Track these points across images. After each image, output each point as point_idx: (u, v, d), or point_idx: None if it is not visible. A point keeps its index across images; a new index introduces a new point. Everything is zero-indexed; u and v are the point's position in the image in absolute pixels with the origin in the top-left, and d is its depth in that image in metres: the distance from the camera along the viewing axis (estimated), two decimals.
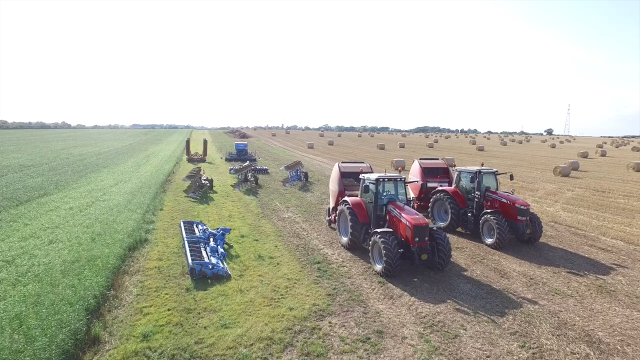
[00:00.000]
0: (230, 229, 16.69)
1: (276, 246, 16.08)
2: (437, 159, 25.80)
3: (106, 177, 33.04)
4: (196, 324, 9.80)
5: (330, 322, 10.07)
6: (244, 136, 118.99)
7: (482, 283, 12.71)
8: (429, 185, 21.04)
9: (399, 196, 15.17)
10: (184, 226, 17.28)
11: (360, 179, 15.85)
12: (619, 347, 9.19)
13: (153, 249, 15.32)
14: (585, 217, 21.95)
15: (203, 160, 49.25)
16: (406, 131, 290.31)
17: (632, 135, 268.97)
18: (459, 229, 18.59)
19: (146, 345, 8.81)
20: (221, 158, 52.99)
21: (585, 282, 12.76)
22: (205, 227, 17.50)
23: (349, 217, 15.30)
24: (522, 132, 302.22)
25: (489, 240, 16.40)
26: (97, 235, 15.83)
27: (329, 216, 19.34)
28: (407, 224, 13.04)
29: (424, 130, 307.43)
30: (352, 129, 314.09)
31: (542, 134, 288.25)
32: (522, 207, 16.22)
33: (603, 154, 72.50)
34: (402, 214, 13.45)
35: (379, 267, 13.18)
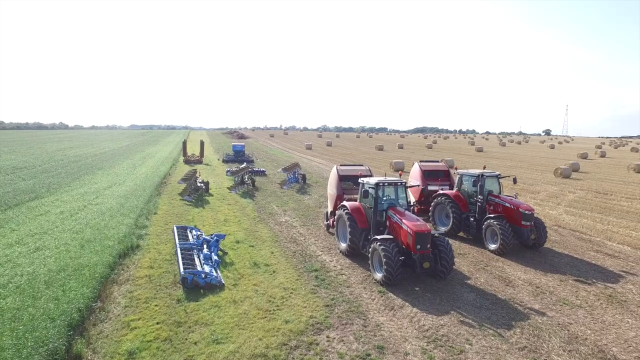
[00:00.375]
0: (225, 235, 16.13)
1: (272, 252, 15.53)
2: (438, 161, 25.28)
3: (100, 179, 32.44)
4: (186, 339, 9.25)
5: (328, 337, 9.53)
6: (241, 137, 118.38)
7: (487, 292, 12.19)
8: (430, 188, 20.53)
9: (399, 201, 14.65)
10: (177, 232, 16.72)
11: (360, 183, 15.33)
12: None
13: (145, 256, 14.76)
14: (589, 220, 21.47)
15: (200, 162, 48.65)
16: (404, 132, 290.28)
17: (630, 135, 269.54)
18: (461, 234, 18.08)
19: None
20: (218, 159, 52.41)
21: (594, 291, 12.25)
22: (199, 233, 16.95)
23: (347, 223, 14.78)
24: (520, 133, 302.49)
25: (492, 246, 15.89)
26: (86, 241, 15.25)
27: (327, 220, 18.81)
28: (409, 230, 12.52)
29: (422, 130, 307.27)
30: (350, 129, 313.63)
31: (540, 135, 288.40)
32: (527, 211, 15.72)
33: (602, 155, 72.20)
34: (403, 220, 12.92)
35: (379, 275, 12.66)
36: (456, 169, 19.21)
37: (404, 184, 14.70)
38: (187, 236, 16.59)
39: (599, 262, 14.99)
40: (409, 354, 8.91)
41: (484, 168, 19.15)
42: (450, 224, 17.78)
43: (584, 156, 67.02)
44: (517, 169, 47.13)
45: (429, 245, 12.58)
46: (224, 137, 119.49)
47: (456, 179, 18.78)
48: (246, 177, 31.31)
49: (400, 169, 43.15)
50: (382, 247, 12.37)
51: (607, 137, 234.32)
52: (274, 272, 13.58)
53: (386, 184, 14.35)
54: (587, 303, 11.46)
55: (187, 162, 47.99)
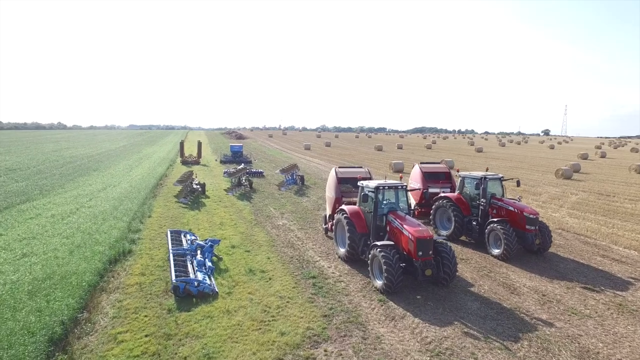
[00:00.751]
0: (220, 240, 15.63)
1: (269, 258, 15.03)
2: (439, 163, 24.82)
3: (95, 180, 31.90)
4: (176, 354, 8.74)
5: (325, 350, 9.04)
6: (240, 137, 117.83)
7: (491, 301, 11.70)
8: (431, 190, 20.05)
9: (400, 205, 14.16)
10: (171, 236, 16.20)
11: (359, 186, 14.83)
12: None
13: (136, 262, 14.25)
14: (593, 223, 21.01)
15: (197, 163, 48.15)
16: (403, 132, 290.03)
17: (628, 135, 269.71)
18: (463, 238, 17.61)
19: None
20: (216, 160, 51.87)
21: (603, 300, 11.77)
22: (193, 237, 16.44)
23: (346, 228, 14.28)
24: (519, 133, 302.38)
25: (496, 251, 15.41)
26: (76, 247, 14.74)
27: (325, 224, 18.31)
28: (410, 236, 12.02)
29: (421, 130, 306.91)
30: (349, 129, 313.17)
31: (539, 135, 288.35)
32: (531, 215, 15.24)
33: (603, 155, 71.84)
34: (404, 225, 12.43)
35: (379, 283, 12.16)
36: (458, 171, 18.73)
37: (404, 187, 14.21)
38: (181, 241, 16.08)
39: (606, 267, 14.52)
40: None
41: (487, 170, 18.67)
42: (452, 227, 17.30)
43: (584, 157, 66.65)
44: (517, 169, 46.69)
45: (431, 252, 12.09)
46: (223, 138, 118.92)
47: (458, 182, 18.29)
48: (243, 178, 30.80)
49: (399, 169, 42.65)
50: (382, 253, 11.88)
51: (606, 137, 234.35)
52: (270, 279, 13.08)
53: (386, 187, 13.86)
54: (596, 313, 10.98)
55: (185, 163, 47.49)
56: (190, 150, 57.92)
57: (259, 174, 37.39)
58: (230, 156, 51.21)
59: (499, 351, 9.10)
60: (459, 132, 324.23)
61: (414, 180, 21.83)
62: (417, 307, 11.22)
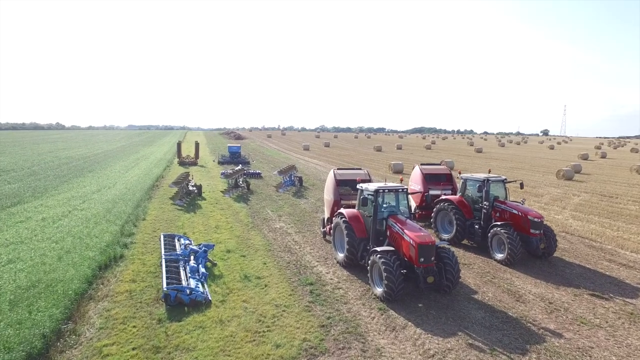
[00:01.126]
0: (214, 245, 15.13)
1: (265, 263, 14.53)
2: (439, 164, 24.35)
3: (90, 182, 31.34)
4: None
5: None
6: (238, 137, 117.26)
7: (496, 309, 11.22)
8: (432, 192, 19.57)
9: (400, 208, 13.68)
10: (164, 240, 15.69)
11: (358, 189, 14.34)
12: None
13: (127, 268, 13.75)
14: (597, 226, 20.56)
15: (195, 164, 47.63)
16: (403, 132, 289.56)
17: (627, 135, 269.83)
18: (465, 242, 17.14)
19: None
20: (214, 161, 51.35)
21: (613, 308, 11.30)
22: (188, 242, 15.94)
23: (345, 232, 13.79)
24: (518, 133, 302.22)
25: (499, 256, 14.94)
26: (65, 252, 14.22)
27: (323, 227, 17.82)
28: (411, 242, 11.54)
29: (420, 131, 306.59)
30: (348, 129, 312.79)
31: (538, 135, 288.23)
32: (536, 219, 14.77)
33: (603, 156, 71.46)
34: (405, 230, 11.95)
35: (379, 290, 11.68)
36: (460, 173, 18.25)
37: (405, 190, 13.73)
38: (175, 245, 15.58)
39: (614, 273, 14.05)
40: None
41: (489, 172, 18.21)
42: (454, 231, 16.82)
43: (585, 157, 66.26)
44: (518, 170, 46.26)
45: (433, 258, 11.61)
46: (221, 138, 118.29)
47: (460, 184, 17.82)
48: (240, 180, 30.30)
49: (399, 170, 42.19)
50: (382, 259, 11.40)
51: (605, 137, 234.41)
52: (265, 286, 12.58)
53: (386, 190, 13.37)
54: (607, 322, 10.50)
55: (182, 163, 46.98)
56: (189, 150, 57.41)
57: (257, 175, 36.89)
58: (228, 157, 50.70)
59: None
60: (458, 132, 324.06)
61: (414, 182, 21.35)
62: (419, 316, 10.73)
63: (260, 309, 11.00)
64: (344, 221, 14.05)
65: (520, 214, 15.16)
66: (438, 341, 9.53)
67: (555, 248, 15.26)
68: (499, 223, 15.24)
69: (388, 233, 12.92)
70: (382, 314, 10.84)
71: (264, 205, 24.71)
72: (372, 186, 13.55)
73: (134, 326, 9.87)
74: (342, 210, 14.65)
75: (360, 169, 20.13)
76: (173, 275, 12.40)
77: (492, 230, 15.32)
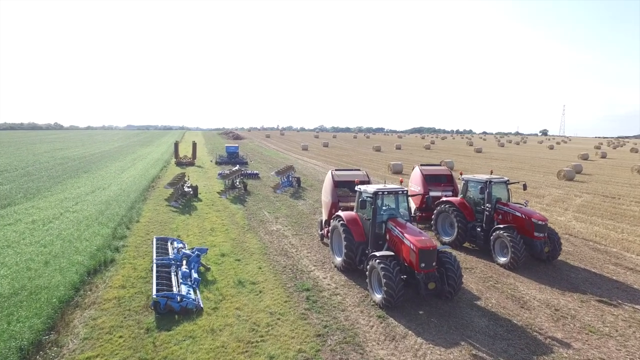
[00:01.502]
0: (207, 249, 14.65)
1: (260, 268, 14.06)
2: (440, 165, 23.92)
3: (84, 183, 30.83)
4: None
5: None
6: (237, 137, 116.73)
7: (500, 317, 10.76)
8: (432, 194, 19.10)
9: (400, 211, 13.21)
10: (157, 244, 15.20)
11: (356, 191, 13.87)
12: None
13: (118, 273, 13.26)
14: (601, 228, 20.11)
15: (192, 164, 47.12)
16: (402, 132, 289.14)
17: (626, 135, 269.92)
18: (466, 244, 16.68)
19: None
20: (211, 161, 50.83)
21: (622, 316, 10.84)
22: (181, 245, 15.44)
23: (342, 236, 13.32)
24: (517, 133, 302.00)
25: (502, 260, 14.48)
26: (53, 257, 13.74)
27: (321, 230, 17.35)
28: (412, 247, 11.07)
29: (419, 131, 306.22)
30: (347, 129, 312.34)
31: (537, 135, 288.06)
32: (540, 222, 14.31)
33: (603, 156, 71.09)
34: (405, 235, 11.48)
35: (378, 297, 11.21)
36: (461, 174, 17.78)
37: (405, 192, 13.26)
38: (168, 249, 15.09)
39: (621, 277, 13.60)
40: None
41: (491, 173, 17.76)
42: (455, 234, 16.37)
43: (585, 157, 65.88)
44: (518, 170, 45.84)
45: (434, 263, 11.14)
46: (220, 138, 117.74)
47: (461, 185, 17.36)
48: (237, 180, 29.81)
49: (398, 171, 41.75)
50: (381, 265, 10.93)
51: (604, 137, 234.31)
52: (260, 292, 12.11)
53: (385, 192, 12.89)
54: (616, 331, 10.04)
55: (179, 164, 46.49)
56: (186, 151, 56.90)
57: (254, 176, 36.41)
58: (226, 157, 50.24)
59: None
60: (457, 132, 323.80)
61: (414, 183, 20.88)
62: (420, 325, 10.27)
63: (254, 317, 10.53)
64: (341, 224, 13.58)
65: (523, 216, 14.71)
66: (440, 352, 9.07)
67: (560, 251, 14.81)
68: (501, 226, 14.78)
69: (387, 237, 12.45)
70: (381, 322, 10.37)
71: (261, 207, 24.24)
72: (370, 188, 13.08)
73: (121, 336, 9.39)
74: (339, 212, 14.18)
75: (358, 169, 19.65)
76: (164, 281, 11.91)
77: (494, 233, 14.86)
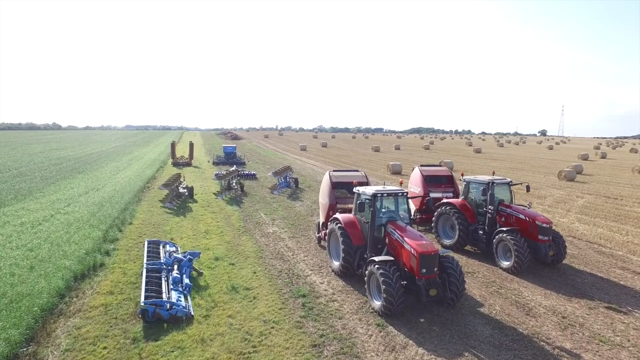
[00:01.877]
0: (200, 253, 14.13)
1: (255, 272, 13.55)
2: (440, 166, 23.39)
3: (78, 184, 30.27)
4: None
5: None
6: (235, 138, 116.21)
7: (505, 325, 10.27)
8: (432, 195, 18.62)
9: (400, 213, 12.72)
10: (148, 247, 14.69)
11: (355, 193, 13.38)
12: None
13: (106, 278, 12.75)
14: (605, 230, 19.65)
15: (189, 164, 46.59)
16: (400, 132, 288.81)
17: (624, 136, 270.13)
18: (468, 248, 16.20)
19: None
20: (208, 162, 50.30)
21: (633, 324, 10.35)
22: (174, 249, 14.94)
23: (340, 239, 12.82)
24: (516, 133, 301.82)
25: (505, 264, 14.00)
26: (39, 261, 13.21)
27: (318, 233, 16.85)
28: (412, 251, 10.58)
29: (418, 131, 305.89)
30: (346, 129, 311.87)
31: (536, 135, 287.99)
32: (544, 224, 13.83)
33: (603, 156, 70.75)
34: (405, 239, 10.98)
35: (377, 304, 10.72)
36: (462, 175, 17.29)
37: (405, 194, 12.76)
38: (159, 252, 14.57)
39: (629, 282, 13.12)
40: None
41: (493, 174, 17.28)
42: (456, 236, 15.88)
43: (585, 157, 65.50)
44: (518, 171, 45.41)
45: (436, 269, 10.65)
46: (218, 138, 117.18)
47: (462, 187, 16.88)
48: (233, 181, 29.29)
49: (397, 171, 41.30)
50: (380, 271, 10.44)
51: (603, 138, 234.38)
52: (254, 298, 11.60)
53: (385, 194, 12.40)
54: (628, 341, 9.55)
55: (176, 164, 45.98)
56: (183, 151, 56.34)
57: (252, 176, 35.90)
58: (223, 157, 49.76)
59: None
60: (456, 132, 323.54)
61: (414, 184, 20.40)
62: (421, 334, 9.77)
63: (246, 325, 10.02)
64: (339, 227, 13.08)
65: (527, 218, 14.23)
66: None
67: (565, 255, 14.34)
68: (504, 228, 14.30)
69: (387, 240, 11.96)
70: (380, 331, 9.88)
71: (258, 208, 23.73)
72: (369, 190, 12.59)
73: (105, 347, 8.88)
74: (337, 215, 13.68)
75: (357, 170, 19.18)
76: (153, 287, 11.40)
77: (497, 236, 14.38)
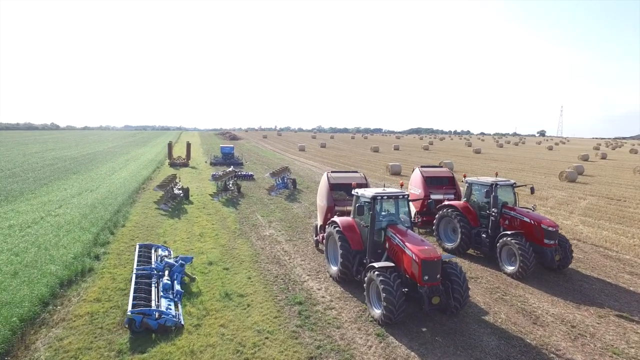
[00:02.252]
0: (192, 258, 13.59)
1: (249, 278, 13.01)
2: (441, 167, 22.91)
3: (72, 185, 29.68)
4: None
5: None
6: (234, 138, 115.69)
7: (511, 335, 9.76)
8: (433, 197, 18.12)
9: (400, 217, 12.21)
10: (139, 251, 14.12)
11: (353, 195, 12.85)
12: None
13: (95, 283, 12.21)
14: (610, 232, 19.17)
15: (186, 165, 46.04)
16: (400, 132, 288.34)
17: (623, 136, 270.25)
18: (470, 251, 15.70)
19: None
20: (206, 162, 49.74)
21: None
22: (166, 253, 14.37)
23: (338, 243, 12.29)
24: (515, 134, 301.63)
25: (510, 269, 13.50)
26: (24, 266, 12.66)
27: (316, 235, 16.33)
28: (414, 257, 10.06)
29: (417, 131, 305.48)
30: (345, 130, 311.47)
31: (534, 135, 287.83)
32: (550, 228, 13.32)
33: (603, 157, 70.37)
34: (407, 244, 10.47)
35: (377, 312, 10.20)
36: (465, 176, 16.78)
37: (406, 196, 12.24)
38: (151, 257, 14.02)
39: (639, 288, 12.62)
40: None
41: (496, 175, 16.79)
42: (458, 240, 15.37)
43: (585, 158, 65.09)
44: (519, 172, 44.94)
45: (439, 276, 10.14)
46: (216, 138, 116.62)
47: (464, 188, 16.37)
48: (230, 182, 28.73)
49: (397, 172, 40.79)
50: (380, 277, 9.92)
51: (602, 138, 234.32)
52: (248, 305, 11.07)
53: (385, 197, 11.88)
54: None
55: (173, 165, 45.40)
56: (181, 151, 55.75)
57: (249, 177, 35.36)
58: (221, 158, 49.24)
59: None
60: (455, 132, 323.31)
61: (414, 185, 19.89)
62: (423, 345, 9.25)
63: (239, 335, 9.49)
64: (337, 231, 12.56)
65: (532, 222, 13.72)
66: None
67: (571, 260, 13.84)
68: (508, 232, 13.80)
69: (387, 245, 11.45)
70: (380, 342, 9.36)
71: (254, 210, 23.20)
72: (369, 192, 12.07)
73: None
74: (335, 218, 13.16)
75: (356, 171, 18.67)
76: (142, 294, 10.86)
77: (501, 240, 13.88)
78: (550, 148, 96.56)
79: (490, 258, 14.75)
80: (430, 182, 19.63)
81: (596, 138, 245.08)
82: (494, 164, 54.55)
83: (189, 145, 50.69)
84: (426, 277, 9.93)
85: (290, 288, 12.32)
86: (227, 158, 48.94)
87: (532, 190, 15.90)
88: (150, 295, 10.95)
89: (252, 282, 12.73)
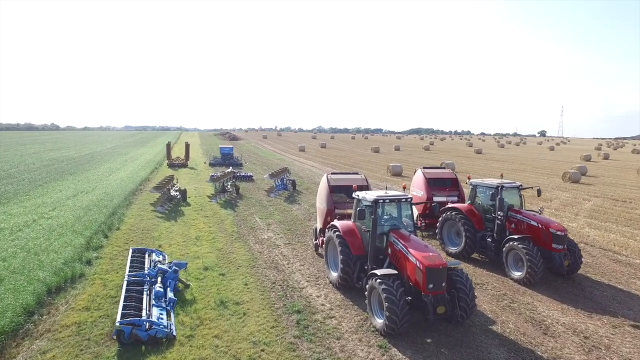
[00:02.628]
0: (187, 263, 13.07)
1: (246, 284, 12.50)
2: (444, 168, 22.39)
3: (68, 186, 29.19)
4: None
5: None
6: (233, 138, 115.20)
7: (521, 346, 9.25)
8: (437, 199, 17.61)
9: (403, 221, 11.70)
10: (132, 256, 13.62)
11: (354, 198, 12.35)
12: None
13: (85, 291, 11.70)
14: (618, 235, 18.65)
15: (185, 165, 45.51)
16: (400, 133, 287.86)
17: (623, 136, 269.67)
18: (475, 256, 15.19)
19: None
20: (205, 163, 49.24)
21: None
22: (160, 257, 13.88)
23: (338, 248, 11.79)
24: (515, 134, 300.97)
25: (517, 274, 12.98)
26: (11, 272, 12.16)
27: (315, 239, 15.82)
28: (418, 264, 9.55)
29: (418, 131, 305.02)
30: (345, 130, 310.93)
31: (535, 136, 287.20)
32: (558, 232, 12.81)
33: (606, 157, 69.79)
34: (410, 250, 9.96)
35: (379, 322, 9.69)
36: (469, 178, 16.27)
37: (409, 199, 11.73)
38: (144, 262, 13.51)
39: None
40: None
41: (501, 177, 16.28)
42: (462, 244, 14.87)
43: (587, 158, 64.52)
44: (521, 172, 44.40)
45: (444, 284, 9.62)
46: (216, 139, 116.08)
47: (469, 191, 15.85)
48: (228, 184, 28.22)
49: (398, 172, 40.25)
50: (383, 286, 9.41)
51: (602, 138, 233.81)
52: (244, 314, 10.56)
53: (387, 200, 11.37)
54: None
55: (171, 165, 44.90)
56: (180, 152, 55.24)
57: (248, 178, 34.85)
58: (220, 158, 48.74)
59: None
60: (455, 133, 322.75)
61: (417, 187, 19.37)
62: (428, 357, 8.75)
63: (234, 347, 8.99)
64: (337, 235, 12.05)
65: (539, 225, 13.21)
66: None
67: (581, 265, 13.32)
68: (515, 236, 13.27)
69: (389, 251, 10.94)
70: (382, 354, 8.85)
71: (253, 212, 22.69)
72: (370, 195, 11.55)
73: None
74: (335, 222, 12.65)
75: (356, 173, 18.14)
76: (133, 302, 10.34)
77: (507, 245, 13.36)
78: (552, 148, 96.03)
79: (495, 263, 14.25)
80: (433, 184, 19.12)
81: (597, 138, 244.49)
82: (496, 164, 54.03)
83: (187, 145, 50.19)
84: (431, 286, 9.43)
85: (288, 295, 11.81)
86: (227, 159, 48.46)
87: (539, 193, 15.38)
88: (142, 303, 10.43)
89: (248, 288, 12.22)
